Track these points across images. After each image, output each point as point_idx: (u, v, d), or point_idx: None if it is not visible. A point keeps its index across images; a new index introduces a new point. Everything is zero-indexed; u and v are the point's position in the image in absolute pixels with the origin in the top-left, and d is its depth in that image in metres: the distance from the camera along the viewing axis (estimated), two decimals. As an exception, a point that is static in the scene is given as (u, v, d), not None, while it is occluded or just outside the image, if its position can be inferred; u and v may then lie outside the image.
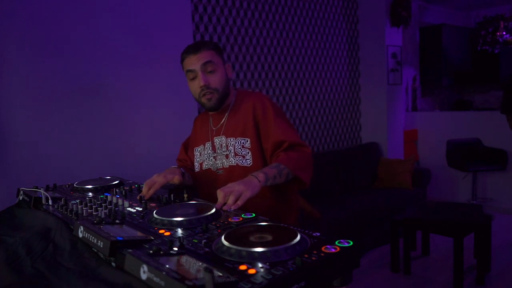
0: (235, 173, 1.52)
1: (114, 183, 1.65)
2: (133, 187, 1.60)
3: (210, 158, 1.62)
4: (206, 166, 1.64)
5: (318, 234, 0.95)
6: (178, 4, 2.95)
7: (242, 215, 1.13)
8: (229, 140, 1.57)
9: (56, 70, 2.41)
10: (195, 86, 1.54)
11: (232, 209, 1.21)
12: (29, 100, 2.32)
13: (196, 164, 1.70)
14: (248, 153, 1.53)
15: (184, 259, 0.82)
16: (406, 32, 5.12)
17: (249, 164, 1.52)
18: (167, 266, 0.76)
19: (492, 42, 5.68)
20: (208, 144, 1.65)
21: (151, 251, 0.83)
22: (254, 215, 1.13)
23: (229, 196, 1.23)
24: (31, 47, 2.32)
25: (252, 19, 3.58)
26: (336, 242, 0.89)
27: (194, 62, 1.51)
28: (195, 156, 1.71)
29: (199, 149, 1.69)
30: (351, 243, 0.89)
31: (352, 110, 4.64)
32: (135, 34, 2.72)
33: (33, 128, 2.34)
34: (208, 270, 0.67)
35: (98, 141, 2.58)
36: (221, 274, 0.73)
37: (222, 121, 1.61)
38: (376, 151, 4.55)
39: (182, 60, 1.56)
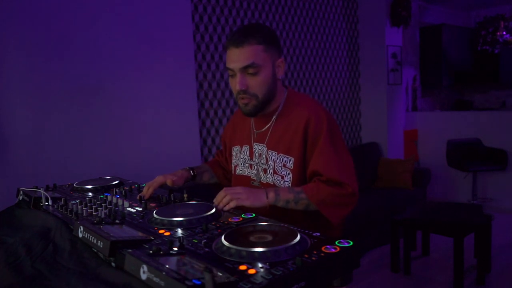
0: None
1: (114, 183, 1.65)
2: (133, 187, 1.60)
3: (246, 164, 1.46)
4: (240, 172, 1.49)
5: (318, 234, 0.95)
6: (178, 4, 2.95)
7: (242, 215, 1.13)
8: (270, 153, 1.38)
9: (56, 70, 2.41)
10: (233, 85, 1.33)
11: (225, 209, 1.20)
12: (29, 100, 2.32)
13: (232, 166, 1.54)
14: (288, 174, 1.33)
15: (184, 259, 0.82)
16: (406, 32, 5.12)
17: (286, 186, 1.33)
18: (167, 266, 0.76)
19: (492, 42, 5.68)
20: (246, 148, 1.47)
21: (151, 251, 0.84)
22: (254, 215, 1.13)
23: (226, 196, 1.21)
24: (31, 48, 2.32)
25: (252, 19, 3.58)
26: (336, 242, 0.89)
27: (234, 60, 1.29)
28: (232, 156, 1.55)
29: (236, 149, 1.53)
30: (351, 243, 0.89)
31: (352, 110, 4.64)
32: (135, 34, 2.72)
33: (33, 128, 2.34)
34: (208, 270, 0.67)
35: (98, 141, 2.58)
36: (221, 274, 0.73)
37: (267, 126, 1.40)
38: (376, 151, 4.55)
39: (225, 48, 1.34)
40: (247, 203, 1.20)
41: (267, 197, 1.23)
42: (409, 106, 5.30)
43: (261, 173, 1.40)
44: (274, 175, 1.36)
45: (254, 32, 1.29)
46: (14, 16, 2.25)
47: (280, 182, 1.35)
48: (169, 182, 1.44)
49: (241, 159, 1.49)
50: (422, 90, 5.75)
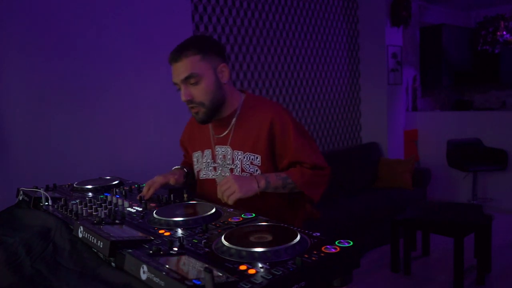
0: None
1: (114, 183, 1.65)
2: (133, 187, 1.60)
3: (209, 167, 1.49)
4: (204, 175, 1.52)
5: (318, 234, 0.95)
6: (178, 4, 2.95)
7: (242, 215, 1.13)
8: (236, 153, 1.42)
9: (56, 71, 2.41)
10: (182, 98, 1.39)
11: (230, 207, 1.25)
12: (30, 101, 2.32)
13: (195, 171, 1.58)
14: (256, 171, 1.39)
15: (184, 259, 0.82)
16: (406, 32, 5.12)
17: None
18: (167, 266, 0.76)
19: (492, 42, 5.68)
20: (207, 152, 1.51)
21: (151, 251, 0.84)
22: (254, 215, 1.13)
23: (223, 193, 1.26)
24: (32, 48, 2.32)
25: (252, 19, 3.58)
26: (336, 242, 0.89)
27: (175, 74, 1.36)
28: (193, 162, 1.58)
29: (196, 154, 1.56)
30: (351, 243, 0.89)
31: (352, 110, 4.64)
32: (135, 35, 2.72)
33: (33, 129, 2.34)
34: (208, 270, 0.67)
35: (98, 141, 2.58)
36: (221, 274, 0.73)
37: (228, 130, 1.45)
38: (376, 151, 4.55)
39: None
40: (240, 195, 1.26)
41: (258, 186, 1.30)
42: (409, 106, 5.30)
43: (227, 173, 1.43)
44: (242, 173, 1.41)
45: (190, 45, 1.34)
46: (14, 17, 2.25)
47: None
48: (172, 181, 1.46)
49: (204, 163, 1.52)
50: (422, 90, 5.75)
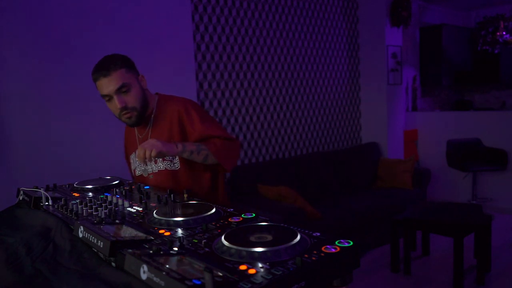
0: (164, 177, 1.62)
1: (114, 183, 1.65)
2: (133, 187, 1.60)
3: (141, 164, 1.70)
4: (139, 172, 1.73)
5: (318, 234, 0.95)
6: (178, 4, 2.95)
7: (242, 215, 1.13)
8: None
9: (57, 70, 2.41)
10: (113, 107, 1.57)
11: (149, 158, 1.39)
12: (30, 101, 2.32)
13: (132, 169, 1.80)
14: (175, 157, 1.60)
15: (184, 259, 0.82)
16: (406, 32, 5.12)
17: (177, 167, 1.61)
18: (167, 266, 0.76)
19: (492, 42, 5.69)
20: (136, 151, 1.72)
21: (151, 251, 0.84)
22: (254, 215, 1.13)
23: (146, 150, 1.39)
24: (32, 49, 2.32)
25: (252, 19, 3.58)
26: (336, 242, 0.89)
27: (107, 87, 1.52)
28: (131, 163, 1.80)
29: (132, 156, 1.77)
30: (351, 243, 0.89)
31: (352, 110, 4.64)
32: (135, 35, 2.72)
33: (33, 129, 2.34)
34: (208, 270, 0.67)
35: (98, 141, 2.58)
36: (221, 274, 0.73)
37: (147, 129, 1.67)
38: (376, 151, 4.55)
39: (94, 81, 1.57)
40: (164, 149, 1.42)
41: (176, 146, 1.47)
42: (409, 106, 5.30)
43: (153, 165, 1.65)
44: (164, 161, 1.62)
45: (115, 61, 1.55)
46: (15, 18, 2.25)
47: (170, 166, 1.61)
48: None
49: (136, 162, 1.72)
50: (422, 90, 5.75)
